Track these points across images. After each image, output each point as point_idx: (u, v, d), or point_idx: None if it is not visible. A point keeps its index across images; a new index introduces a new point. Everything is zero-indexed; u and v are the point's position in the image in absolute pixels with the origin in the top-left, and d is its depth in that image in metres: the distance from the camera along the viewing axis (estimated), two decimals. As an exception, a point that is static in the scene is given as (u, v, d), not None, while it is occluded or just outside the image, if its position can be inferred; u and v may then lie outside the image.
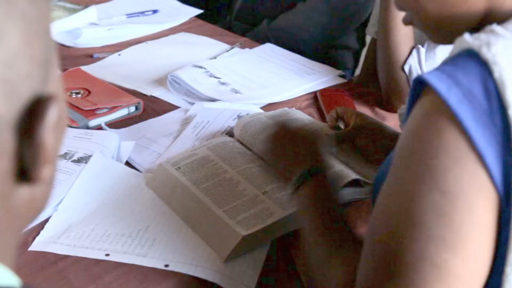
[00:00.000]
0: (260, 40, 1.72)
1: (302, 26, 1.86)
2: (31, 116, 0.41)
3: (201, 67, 1.46)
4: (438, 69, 0.64)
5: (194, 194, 1.02)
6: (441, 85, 0.62)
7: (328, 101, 1.37)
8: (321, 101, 1.38)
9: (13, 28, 0.39)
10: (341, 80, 1.50)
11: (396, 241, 0.64)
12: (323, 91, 1.43)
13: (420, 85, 0.65)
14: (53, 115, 0.41)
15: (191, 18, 1.81)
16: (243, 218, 0.97)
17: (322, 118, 1.33)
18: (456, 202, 0.61)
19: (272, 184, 1.04)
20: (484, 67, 0.61)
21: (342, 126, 1.18)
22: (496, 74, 0.60)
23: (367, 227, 1.02)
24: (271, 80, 1.45)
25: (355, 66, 2.02)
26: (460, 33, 0.66)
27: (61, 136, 0.45)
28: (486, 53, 0.61)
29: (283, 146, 0.94)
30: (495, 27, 0.65)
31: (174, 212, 1.03)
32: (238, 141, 1.18)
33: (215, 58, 1.55)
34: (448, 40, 0.75)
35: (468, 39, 0.64)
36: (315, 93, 1.43)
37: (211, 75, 1.44)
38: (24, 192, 0.43)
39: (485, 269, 0.63)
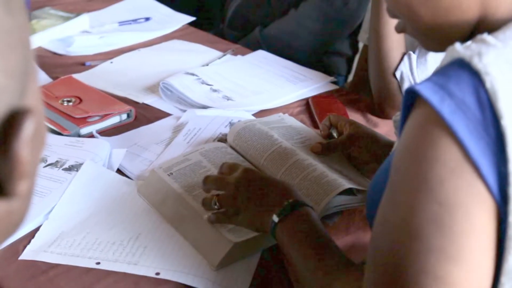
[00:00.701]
0: (253, 47, 1.72)
1: (294, 33, 1.86)
2: (6, 130, 0.40)
3: (193, 74, 1.46)
4: (429, 80, 0.64)
5: (185, 201, 1.02)
6: (433, 96, 0.62)
7: (320, 108, 1.37)
8: (313, 108, 1.38)
9: None
10: (333, 87, 1.50)
11: (397, 255, 0.64)
12: (315, 97, 1.43)
13: (412, 96, 0.65)
14: (29, 129, 0.40)
15: (183, 25, 1.81)
16: (234, 226, 0.97)
17: (314, 124, 1.33)
18: (455, 212, 0.61)
19: None
20: (475, 77, 0.61)
21: (335, 134, 1.18)
22: (488, 84, 0.60)
23: (359, 233, 1.03)
24: (263, 87, 1.45)
25: (348, 72, 2.02)
26: (453, 41, 0.66)
27: (38, 150, 0.44)
28: (478, 63, 0.61)
29: (256, 189, 0.94)
30: (485, 36, 0.65)
31: (165, 219, 1.03)
32: (231, 147, 1.18)
33: (207, 65, 1.55)
34: (442, 48, 0.74)
35: (459, 49, 0.64)
36: (307, 99, 1.43)
37: (203, 82, 1.44)
38: (0, 207, 0.42)
39: (488, 280, 0.63)
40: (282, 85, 1.47)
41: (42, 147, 0.45)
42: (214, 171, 1.08)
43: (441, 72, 0.64)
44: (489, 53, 0.62)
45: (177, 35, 1.75)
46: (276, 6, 1.93)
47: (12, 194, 0.41)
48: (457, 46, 0.64)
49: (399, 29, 0.83)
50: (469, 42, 0.65)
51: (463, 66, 0.62)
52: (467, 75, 0.62)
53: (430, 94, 0.62)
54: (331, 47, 1.93)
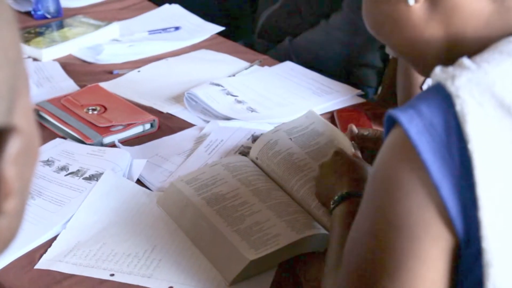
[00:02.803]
0: (282, 57, 1.71)
1: (324, 44, 1.85)
2: None
3: (218, 85, 1.45)
4: (407, 103, 0.66)
5: (204, 214, 1.01)
6: (403, 116, 0.63)
7: (345, 121, 1.34)
8: (337, 121, 1.36)
9: None
10: (360, 100, 1.47)
11: (355, 260, 0.68)
12: (340, 110, 1.41)
13: (392, 120, 0.67)
14: (13, 147, 0.40)
15: (212, 35, 1.80)
16: (253, 240, 0.96)
17: (338, 138, 1.31)
18: (400, 233, 0.63)
19: (286, 207, 1.03)
20: (447, 99, 0.62)
21: (367, 133, 1.15)
22: (458, 107, 0.61)
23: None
24: (289, 99, 1.44)
25: (379, 84, 1.99)
26: (433, 65, 0.67)
27: (28, 169, 0.44)
28: (450, 86, 0.62)
29: (333, 171, 0.99)
30: (464, 59, 0.65)
31: (184, 232, 1.02)
32: (252, 161, 1.17)
33: (234, 75, 1.54)
34: (427, 72, 0.77)
35: (437, 72, 0.65)
36: (332, 112, 1.41)
37: (228, 93, 1.43)
38: None
39: None
40: (308, 98, 1.45)
41: (34, 165, 0.45)
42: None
43: (419, 95, 0.66)
44: (461, 76, 0.63)
45: (205, 44, 1.75)
46: (307, 17, 1.92)
47: None
48: (437, 69, 0.65)
49: (391, 52, 0.86)
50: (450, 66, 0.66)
51: (438, 89, 0.64)
52: (439, 98, 0.63)
53: (400, 113, 0.64)
54: (361, 58, 1.91)
